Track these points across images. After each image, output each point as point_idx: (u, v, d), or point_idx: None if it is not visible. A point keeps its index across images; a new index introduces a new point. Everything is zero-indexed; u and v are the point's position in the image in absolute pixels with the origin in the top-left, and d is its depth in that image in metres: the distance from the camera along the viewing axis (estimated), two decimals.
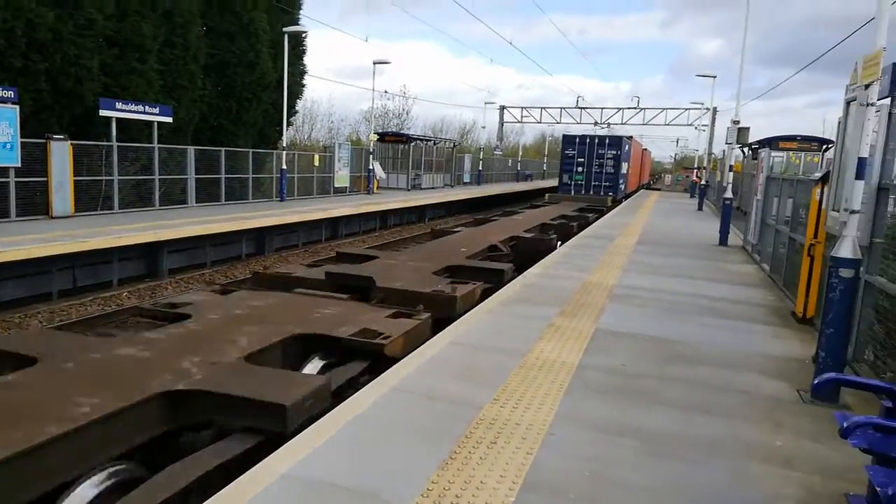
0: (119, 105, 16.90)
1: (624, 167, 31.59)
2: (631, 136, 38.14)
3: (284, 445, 3.81)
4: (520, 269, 10.40)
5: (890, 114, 5.45)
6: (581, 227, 18.43)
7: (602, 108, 42.80)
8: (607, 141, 30.19)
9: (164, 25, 19.17)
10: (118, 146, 16.40)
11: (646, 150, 56.33)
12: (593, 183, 29.83)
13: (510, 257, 12.47)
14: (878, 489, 2.51)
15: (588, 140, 30.12)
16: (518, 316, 7.29)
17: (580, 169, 29.85)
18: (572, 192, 29.90)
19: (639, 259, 12.06)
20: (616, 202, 29.66)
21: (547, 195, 30.79)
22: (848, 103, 5.16)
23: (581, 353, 5.96)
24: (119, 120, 16.89)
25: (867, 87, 4.66)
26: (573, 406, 4.66)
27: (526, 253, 12.80)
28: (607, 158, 29.68)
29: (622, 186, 31.88)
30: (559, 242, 14.06)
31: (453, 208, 31.08)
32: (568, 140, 30.97)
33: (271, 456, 3.67)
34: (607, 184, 29.80)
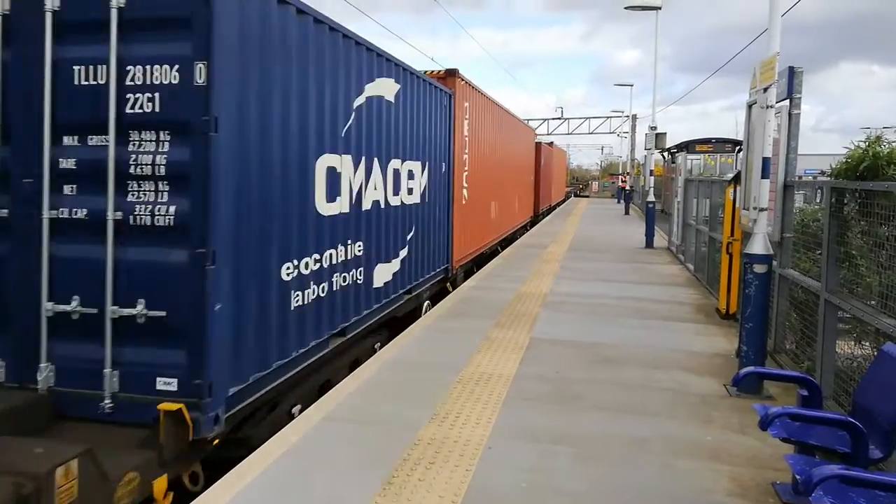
0: None
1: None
2: (487, 95, 12.88)
3: (214, 484, 3.63)
4: None
5: (790, 115, 5.78)
6: None
7: (528, 120, 43.76)
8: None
9: None
10: None
11: (551, 143, 35.52)
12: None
13: None
14: (798, 477, 2.60)
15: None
16: (454, 331, 7.26)
17: None
18: None
19: (570, 265, 12.30)
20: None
21: None
22: (750, 107, 5.41)
23: (517, 363, 5.98)
24: None
25: (765, 90, 4.91)
26: (510, 418, 4.66)
27: None
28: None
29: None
30: None
31: None
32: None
33: (198, 499, 3.49)
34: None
